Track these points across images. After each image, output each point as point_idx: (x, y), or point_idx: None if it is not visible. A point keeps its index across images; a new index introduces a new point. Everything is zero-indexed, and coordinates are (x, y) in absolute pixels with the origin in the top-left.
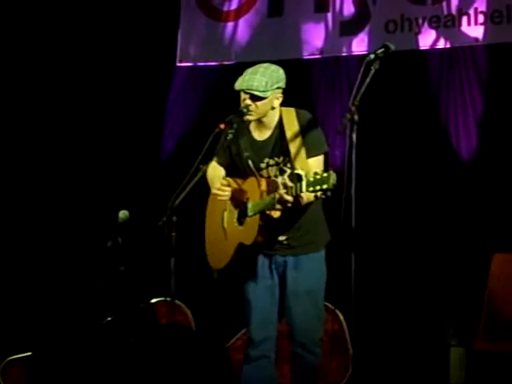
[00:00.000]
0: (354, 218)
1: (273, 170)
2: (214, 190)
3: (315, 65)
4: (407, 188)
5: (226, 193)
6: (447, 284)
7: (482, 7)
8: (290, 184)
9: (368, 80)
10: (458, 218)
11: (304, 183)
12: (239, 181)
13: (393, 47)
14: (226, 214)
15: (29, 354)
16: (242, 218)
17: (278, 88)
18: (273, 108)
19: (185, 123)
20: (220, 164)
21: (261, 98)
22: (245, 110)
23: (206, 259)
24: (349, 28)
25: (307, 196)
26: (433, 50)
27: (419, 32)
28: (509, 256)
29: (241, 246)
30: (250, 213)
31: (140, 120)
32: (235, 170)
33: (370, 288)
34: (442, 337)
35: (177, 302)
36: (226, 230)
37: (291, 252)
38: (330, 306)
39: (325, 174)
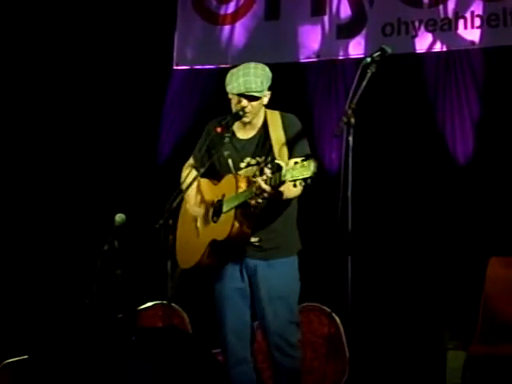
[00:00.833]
0: (350, 221)
1: (253, 170)
2: (187, 205)
3: (312, 68)
4: (404, 191)
5: (199, 211)
6: (444, 287)
7: (479, 11)
8: (269, 175)
9: (365, 83)
10: (455, 222)
11: (284, 171)
12: (215, 181)
13: (389, 50)
14: (200, 214)
15: (25, 357)
16: (216, 216)
17: (268, 86)
18: (262, 105)
19: (181, 126)
20: (196, 168)
21: (257, 98)
22: (241, 113)
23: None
24: (345, 31)
25: (287, 188)
26: (429, 54)
27: (416, 35)
28: (505, 259)
29: (213, 243)
30: (224, 208)
31: (137, 123)
32: (212, 170)
33: (367, 291)
34: (438, 340)
35: (173, 305)
36: (198, 229)
37: (262, 255)
38: (327, 309)
39: (305, 162)
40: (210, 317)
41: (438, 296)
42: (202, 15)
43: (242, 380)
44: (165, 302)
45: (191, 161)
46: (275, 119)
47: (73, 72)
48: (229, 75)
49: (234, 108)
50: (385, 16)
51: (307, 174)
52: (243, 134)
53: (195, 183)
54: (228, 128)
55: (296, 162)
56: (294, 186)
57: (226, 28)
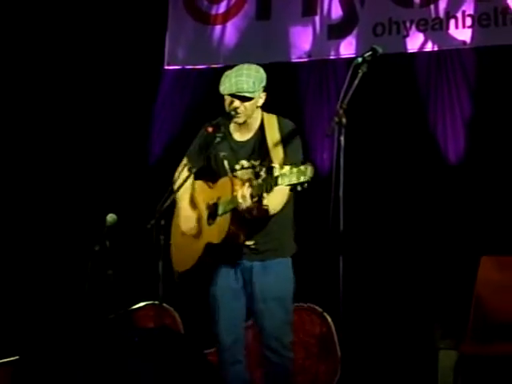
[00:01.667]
0: (342, 221)
1: (247, 173)
2: (179, 221)
3: (303, 68)
4: (395, 191)
5: (191, 224)
6: (435, 287)
7: (470, 10)
8: (261, 181)
9: (356, 83)
10: (446, 221)
11: (280, 176)
12: (210, 183)
13: (380, 50)
14: (194, 216)
15: (16, 357)
16: (212, 218)
17: (262, 87)
18: (257, 107)
19: (173, 126)
20: (189, 170)
21: (249, 99)
22: (233, 113)
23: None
24: (337, 31)
25: (275, 197)
26: (421, 53)
27: (407, 35)
28: (496, 258)
29: (209, 246)
30: (220, 211)
31: (128, 123)
32: (208, 171)
33: (359, 291)
34: (430, 340)
35: (165, 305)
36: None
37: (258, 257)
38: (318, 308)
39: (302, 167)
40: (202, 317)
41: (429, 295)
42: (193, 15)
43: (237, 380)
44: (156, 302)
45: (185, 161)
46: (272, 123)
47: (64, 72)
48: (223, 76)
49: (227, 109)
50: (376, 16)
51: (304, 178)
52: (240, 135)
53: (188, 185)
54: (219, 128)
55: (293, 167)
56: (295, 190)
57: (218, 28)
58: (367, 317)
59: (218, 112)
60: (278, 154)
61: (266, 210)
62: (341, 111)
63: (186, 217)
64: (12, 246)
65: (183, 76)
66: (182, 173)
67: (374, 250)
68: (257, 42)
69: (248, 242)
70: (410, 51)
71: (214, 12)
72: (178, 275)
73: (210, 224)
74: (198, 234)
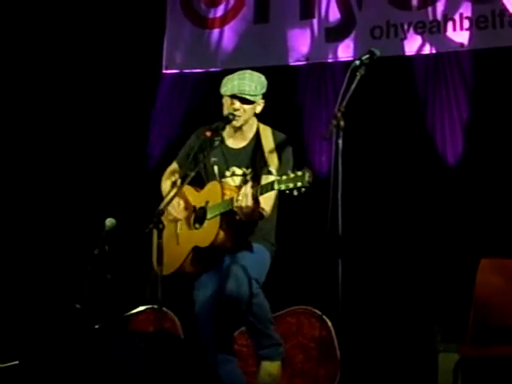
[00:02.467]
0: (340, 224)
1: (237, 180)
2: (169, 207)
3: (301, 71)
4: (394, 193)
5: (180, 215)
6: (435, 289)
7: (468, 12)
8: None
9: (354, 86)
10: (445, 223)
11: (277, 179)
12: (198, 188)
13: (378, 53)
14: (181, 219)
15: (15, 362)
16: (199, 221)
17: (262, 93)
18: (255, 114)
19: (171, 130)
20: (179, 173)
21: (250, 102)
22: (231, 116)
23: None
24: (334, 34)
25: (268, 199)
26: (418, 56)
27: (405, 38)
28: (496, 261)
29: (196, 249)
30: (209, 215)
31: (126, 127)
32: (196, 176)
33: (358, 294)
34: (430, 342)
35: (164, 309)
36: (178, 235)
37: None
38: (318, 311)
39: (299, 173)
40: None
41: (428, 298)
42: (191, 19)
43: (231, 379)
44: (156, 306)
45: (174, 166)
46: (267, 133)
47: (63, 76)
48: (224, 79)
49: (225, 111)
50: (373, 19)
51: (301, 184)
52: (233, 142)
53: (175, 189)
54: (218, 132)
55: (290, 172)
56: (291, 194)
57: (215, 32)
58: (367, 320)
59: (216, 116)
60: (274, 161)
61: (261, 213)
62: (339, 114)
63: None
64: (12, 249)
65: (181, 80)
66: (170, 177)
67: (373, 252)
68: (255, 45)
69: None
70: (407, 54)
71: (211, 16)
72: (154, 277)
73: (196, 228)
74: (184, 237)
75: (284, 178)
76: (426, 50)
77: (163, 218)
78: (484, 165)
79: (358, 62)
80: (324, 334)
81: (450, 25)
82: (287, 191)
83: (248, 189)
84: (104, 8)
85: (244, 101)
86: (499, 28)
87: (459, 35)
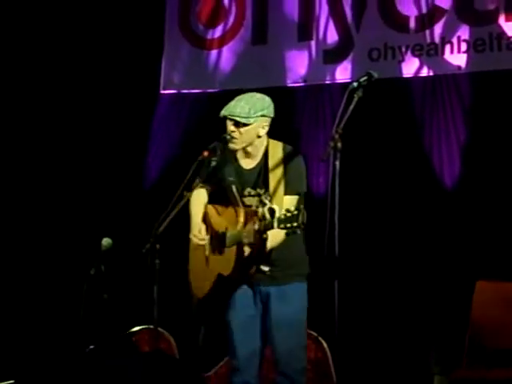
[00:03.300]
0: (337, 245)
1: (254, 201)
2: (191, 235)
3: (299, 92)
4: (391, 215)
5: (202, 242)
6: (431, 311)
7: (465, 35)
8: (267, 216)
9: (351, 108)
10: (441, 245)
11: (276, 220)
12: (220, 208)
13: (376, 75)
14: (208, 242)
15: (11, 382)
16: (221, 247)
17: (262, 116)
18: (259, 137)
19: (168, 151)
20: (204, 188)
21: (244, 125)
22: (228, 138)
23: (188, 287)
24: (332, 56)
25: (275, 236)
26: (416, 78)
27: (402, 60)
28: (492, 283)
29: (220, 276)
30: (227, 243)
31: (124, 147)
32: (219, 196)
33: (354, 316)
34: (425, 364)
35: (160, 329)
36: (208, 258)
37: (274, 282)
38: (314, 333)
39: (295, 212)
40: (197, 341)
41: (424, 320)
42: (189, 39)
43: None
44: (152, 326)
45: (200, 183)
46: (276, 151)
47: (60, 96)
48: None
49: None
50: (371, 41)
51: (296, 224)
52: (245, 163)
53: (202, 204)
54: (215, 152)
55: (288, 210)
56: (288, 234)
57: (213, 52)
58: (363, 342)
59: (214, 137)
60: (276, 184)
61: (264, 248)
62: (336, 136)
63: (196, 229)
64: (8, 270)
65: (179, 100)
66: (200, 195)
67: (369, 274)
68: (253, 66)
69: (263, 268)
70: (405, 76)
71: (209, 36)
72: (196, 301)
73: (221, 253)
74: (211, 261)
75: (281, 218)
76: (424, 72)
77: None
78: (481, 187)
79: (355, 84)
80: (320, 355)
81: (447, 48)
82: (286, 230)
83: (251, 226)
84: (102, 28)
85: (237, 124)
86: (497, 51)
87: (457, 58)
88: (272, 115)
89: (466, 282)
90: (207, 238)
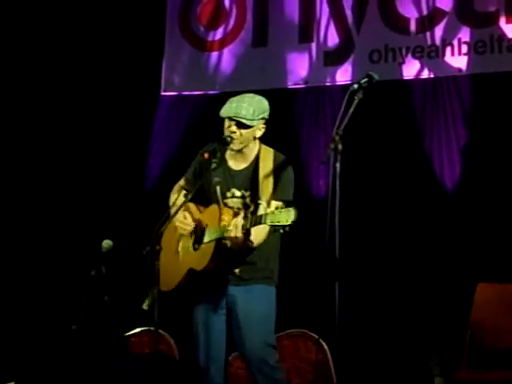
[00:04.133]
0: (337, 247)
1: (237, 203)
2: (176, 222)
3: (299, 94)
4: (391, 218)
5: (188, 228)
6: (431, 313)
7: (466, 37)
8: (249, 215)
9: (352, 110)
10: (442, 248)
11: (267, 215)
12: (201, 207)
13: (376, 77)
14: (182, 238)
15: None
16: (197, 243)
17: (262, 118)
18: (255, 138)
19: (169, 152)
20: (185, 189)
21: (246, 127)
22: (228, 139)
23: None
24: (333, 58)
25: (259, 233)
26: (417, 80)
27: (403, 62)
28: (492, 285)
29: (191, 271)
30: (206, 239)
31: (124, 148)
32: (200, 195)
33: (354, 318)
34: (426, 366)
35: (160, 331)
36: (179, 253)
37: (242, 283)
38: (314, 335)
39: (285, 209)
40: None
41: (425, 322)
42: (189, 41)
43: None
44: (152, 328)
45: (182, 182)
46: (267, 156)
47: (60, 96)
48: (227, 101)
49: (225, 133)
50: (372, 43)
51: (286, 221)
52: (235, 164)
53: (184, 210)
54: (215, 154)
55: (277, 208)
56: (275, 231)
57: (214, 54)
58: (363, 343)
59: (214, 138)
60: (267, 188)
61: (250, 245)
62: (337, 138)
63: (181, 216)
64: (9, 271)
65: (179, 102)
66: (179, 198)
67: (370, 276)
68: (253, 68)
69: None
70: (406, 78)
71: (210, 38)
72: (156, 293)
73: (195, 249)
74: (183, 256)
75: (270, 213)
76: (425, 74)
77: (165, 235)
78: (482, 190)
79: (356, 86)
80: (320, 357)
81: (448, 50)
82: (274, 227)
83: (239, 220)
84: (103, 30)
85: (240, 124)
86: (497, 53)
87: (457, 60)
88: (268, 117)
89: (467, 284)
90: (193, 224)
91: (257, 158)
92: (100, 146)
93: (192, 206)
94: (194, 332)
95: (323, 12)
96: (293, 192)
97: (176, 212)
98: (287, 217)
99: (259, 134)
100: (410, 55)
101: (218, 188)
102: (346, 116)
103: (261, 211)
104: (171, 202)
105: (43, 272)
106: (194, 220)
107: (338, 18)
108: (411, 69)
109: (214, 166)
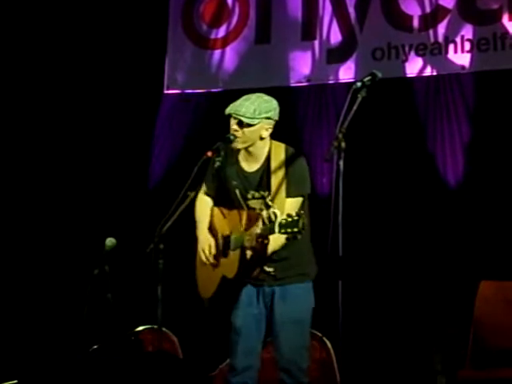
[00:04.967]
0: (341, 245)
1: (258, 203)
2: (199, 248)
3: (302, 92)
4: (394, 215)
5: (207, 261)
6: (434, 311)
7: (469, 35)
8: (273, 218)
9: (355, 107)
10: (445, 245)
11: (277, 225)
12: (225, 211)
13: (379, 75)
14: (213, 244)
15: (14, 382)
16: (226, 249)
17: (267, 118)
18: (261, 138)
19: (172, 150)
20: (208, 195)
21: (248, 125)
22: (231, 137)
23: (192, 287)
24: (336, 56)
25: (276, 240)
26: (420, 78)
27: (406, 60)
28: (495, 283)
29: (224, 279)
30: (232, 246)
31: (127, 147)
32: (223, 198)
33: (358, 316)
34: (429, 364)
35: (164, 329)
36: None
37: (278, 283)
38: (318, 333)
39: (295, 217)
40: (201, 341)
41: (428, 319)
42: (192, 39)
43: None
44: (155, 326)
45: (204, 188)
46: (279, 153)
47: (64, 94)
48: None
49: (230, 131)
50: (375, 40)
51: (296, 229)
52: (247, 165)
53: (208, 210)
54: (219, 152)
55: (289, 215)
56: (288, 239)
57: (217, 52)
58: (367, 341)
59: (217, 136)
60: (278, 187)
61: (266, 251)
62: (340, 135)
63: (206, 245)
64: (12, 270)
65: (183, 100)
66: (203, 201)
67: (373, 274)
68: (256, 66)
69: (267, 269)
70: (408, 76)
71: (213, 36)
72: (206, 301)
73: (226, 256)
74: (216, 263)
75: (282, 223)
76: (427, 71)
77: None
78: (485, 187)
79: (359, 84)
80: (324, 355)
81: (451, 47)
82: (287, 235)
83: (254, 230)
84: (106, 28)
85: (241, 123)
86: (500, 50)
87: (460, 57)
88: (277, 118)
89: (470, 281)
90: (214, 240)
91: (268, 158)
92: (103, 144)
93: (216, 211)
94: (231, 334)
95: (326, 9)
96: (309, 183)
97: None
98: (296, 225)
99: (265, 134)
100: (412, 53)
101: (237, 191)
102: (349, 114)
103: (273, 218)
104: (198, 213)
105: (47, 270)
106: (217, 231)
107: (341, 15)
108: (414, 66)
109: (217, 164)
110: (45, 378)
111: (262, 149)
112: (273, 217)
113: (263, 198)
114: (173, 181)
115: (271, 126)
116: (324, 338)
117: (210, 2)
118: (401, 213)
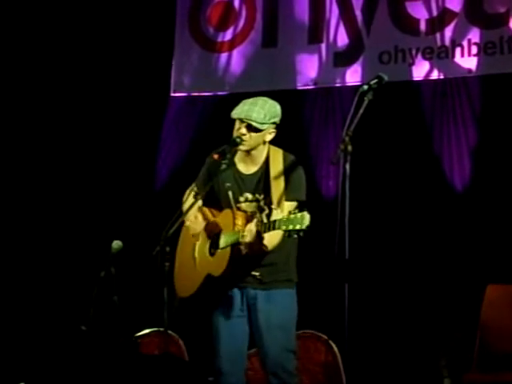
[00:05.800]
0: (347, 248)
1: (251, 206)
2: (187, 223)
3: (309, 95)
4: (401, 218)
5: (198, 227)
6: (441, 315)
7: (476, 38)
8: (265, 220)
9: (361, 111)
10: (452, 249)
11: (279, 220)
12: (215, 211)
13: (386, 78)
14: (197, 243)
15: None
16: (213, 248)
17: (273, 123)
18: (264, 142)
19: (179, 153)
20: (195, 196)
21: (257, 130)
22: (238, 140)
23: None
24: (343, 59)
25: (272, 238)
26: (426, 81)
27: (413, 63)
28: (502, 287)
29: (209, 277)
30: (221, 245)
31: (134, 149)
32: (213, 199)
33: (364, 319)
34: (435, 368)
35: (170, 332)
36: (196, 259)
37: (263, 287)
38: (324, 336)
39: (299, 215)
40: (207, 344)
41: (434, 323)
42: (199, 42)
43: None
44: (161, 329)
45: (194, 187)
46: (277, 157)
47: (72, 98)
48: (240, 103)
49: (234, 134)
50: (382, 44)
51: (299, 226)
52: (245, 168)
53: (195, 210)
54: (225, 155)
55: (291, 212)
56: (289, 236)
57: (224, 55)
58: (372, 344)
59: (223, 139)
60: (278, 190)
61: (264, 249)
62: (346, 138)
63: (192, 216)
64: (18, 271)
65: (189, 103)
66: (189, 198)
67: (379, 277)
68: (263, 69)
69: (254, 272)
70: (415, 79)
71: (220, 39)
72: (178, 300)
73: (211, 254)
74: (200, 262)
75: (285, 218)
76: (434, 75)
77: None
78: (491, 190)
79: (366, 87)
80: (330, 358)
81: (458, 51)
82: (288, 232)
83: (253, 226)
84: (113, 31)
85: (250, 127)
86: (507, 54)
87: (467, 61)
88: (279, 122)
89: (477, 285)
90: (203, 224)
91: (267, 161)
92: (110, 146)
93: (206, 209)
94: (213, 336)
95: (333, 13)
96: (305, 191)
97: (186, 212)
98: (301, 221)
99: (269, 138)
100: (419, 56)
101: (230, 193)
102: (355, 117)
103: (274, 216)
104: (184, 209)
105: (53, 273)
106: (208, 222)
107: (348, 18)
108: (421, 70)
109: (223, 166)
110: (51, 379)
111: (262, 152)
112: (265, 219)
113: (257, 201)
114: (179, 183)
115: (274, 131)
116: (330, 341)
117: (216, 5)
118: (407, 216)
